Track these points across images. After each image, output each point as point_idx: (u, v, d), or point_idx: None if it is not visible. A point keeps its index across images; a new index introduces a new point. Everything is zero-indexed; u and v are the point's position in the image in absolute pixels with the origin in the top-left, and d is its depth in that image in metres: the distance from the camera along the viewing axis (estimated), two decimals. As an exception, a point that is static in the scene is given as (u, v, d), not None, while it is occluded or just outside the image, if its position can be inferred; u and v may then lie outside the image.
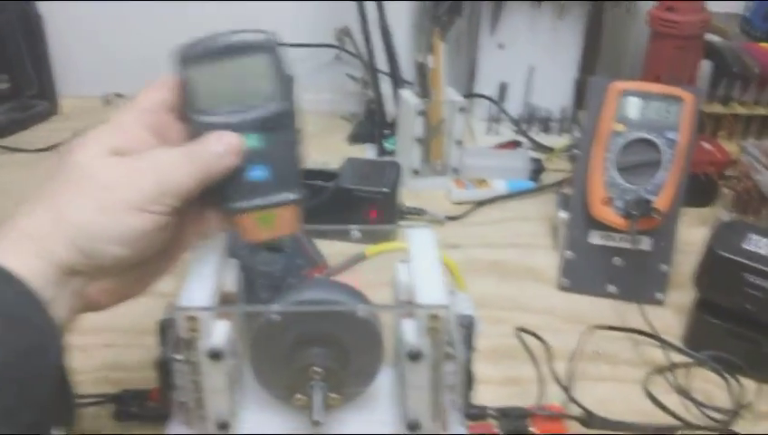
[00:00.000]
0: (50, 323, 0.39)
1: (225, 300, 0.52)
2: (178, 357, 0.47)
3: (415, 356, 0.48)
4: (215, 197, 0.45)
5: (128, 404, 0.58)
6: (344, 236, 0.63)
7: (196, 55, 0.44)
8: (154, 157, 0.43)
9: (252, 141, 0.45)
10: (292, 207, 0.46)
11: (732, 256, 0.64)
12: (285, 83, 0.45)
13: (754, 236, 0.65)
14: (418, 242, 0.55)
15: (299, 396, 0.49)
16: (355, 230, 0.59)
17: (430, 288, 0.50)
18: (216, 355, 0.47)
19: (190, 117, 0.45)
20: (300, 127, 0.46)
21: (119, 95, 1.25)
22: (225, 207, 0.46)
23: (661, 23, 0.95)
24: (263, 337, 0.49)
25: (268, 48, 0.44)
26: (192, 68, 0.44)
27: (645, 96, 0.74)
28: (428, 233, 0.56)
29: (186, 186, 0.43)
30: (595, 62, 1.19)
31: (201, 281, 0.49)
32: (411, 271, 0.52)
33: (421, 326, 0.48)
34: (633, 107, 0.74)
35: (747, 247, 0.64)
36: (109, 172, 0.42)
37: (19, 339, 0.37)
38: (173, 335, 0.47)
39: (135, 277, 0.45)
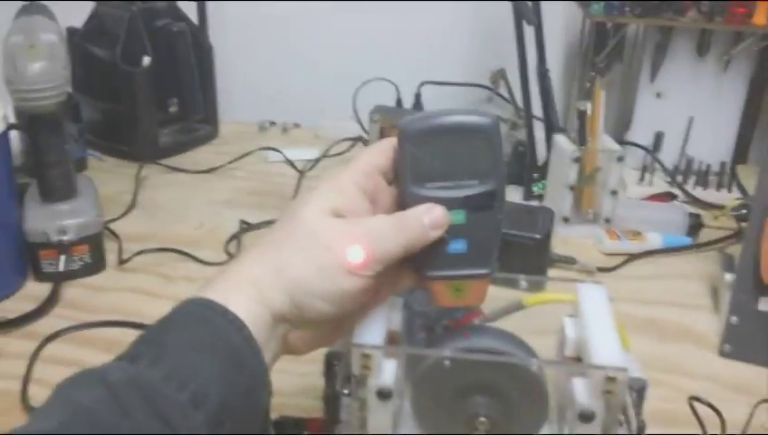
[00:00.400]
0: (264, 368, 0.42)
1: (390, 339, 0.52)
2: (346, 392, 0.48)
3: (587, 418, 0.47)
4: (412, 260, 0.47)
5: (284, 430, 0.60)
6: (512, 284, 0.63)
7: (420, 131, 0.46)
8: (369, 224, 0.45)
9: (457, 217, 0.46)
10: (484, 280, 0.48)
11: None
12: (498, 166, 0.46)
13: None
14: (590, 297, 0.54)
15: (461, 443, 0.49)
16: (523, 280, 0.58)
17: (607, 348, 0.48)
18: (384, 394, 0.48)
19: (405, 186, 0.47)
20: (503, 207, 0.47)
21: (272, 123, 1.32)
22: (422, 273, 0.48)
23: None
24: (430, 380, 0.49)
25: (490, 131, 0.46)
26: (414, 142, 0.46)
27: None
28: (601, 289, 0.55)
29: (394, 253, 0.45)
30: (758, 117, 1.13)
31: (374, 319, 0.50)
32: (582, 327, 0.51)
33: (596, 387, 0.47)
34: (819, 169, 0.70)
35: None
36: (329, 234, 0.44)
37: (239, 381, 0.40)
38: (343, 370, 0.48)
39: (333, 328, 0.48)
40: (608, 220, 0.98)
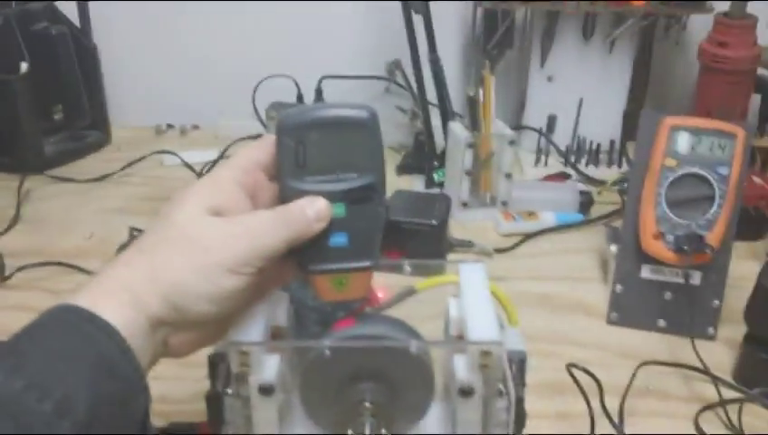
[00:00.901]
0: (139, 373, 0.41)
1: (276, 334, 0.53)
2: (229, 391, 0.48)
3: (466, 393, 0.49)
4: (295, 254, 0.48)
5: (174, 436, 0.59)
6: (396, 269, 0.64)
7: (299, 124, 0.46)
8: (249, 221, 0.45)
9: (337, 210, 0.47)
10: (367, 273, 0.49)
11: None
12: (377, 159, 0.47)
13: (808, 273, 0.65)
14: (470, 277, 0.56)
15: (350, 432, 0.50)
16: (407, 265, 0.60)
17: (482, 324, 0.50)
18: (266, 390, 0.48)
19: (285, 180, 0.47)
20: (384, 200, 0.48)
21: (170, 126, 1.29)
22: (304, 268, 0.48)
23: (713, 58, 0.95)
24: (313, 372, 0.50)
25: (369, 124, 0.47)
26: (292, 135, 0.46)
27: (696, 131, 0.74)
28: (480, 267, 0.57)
29: (276, 249, 0.45)
30: (644, 95, 1.19)
31: (253, 315, 0.50)
32: (462, 306, 0.53)
33: (473, 362, 0.48)
34: (685, 142, 0.74)
35: (801, 283, 0.63)
36: (206, 234, 0.44)
37: (111, 387, 0.39)
38: (224, 369, 0.48)
39: (215, 328, 0.47)
40: (504, 203, 1.01)
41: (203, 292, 0.43)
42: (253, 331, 0.49)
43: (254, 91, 1.18)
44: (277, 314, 0.54)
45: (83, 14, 1.17)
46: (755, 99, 1.02)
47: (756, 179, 0.93)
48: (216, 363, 0.48)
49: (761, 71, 1.07)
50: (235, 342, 0.47)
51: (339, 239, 0.48)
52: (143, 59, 1.28)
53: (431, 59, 1.06)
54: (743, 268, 0.80)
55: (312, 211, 0.46)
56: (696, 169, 0.73)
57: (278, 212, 0.46)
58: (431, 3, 1.03)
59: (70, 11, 1.16)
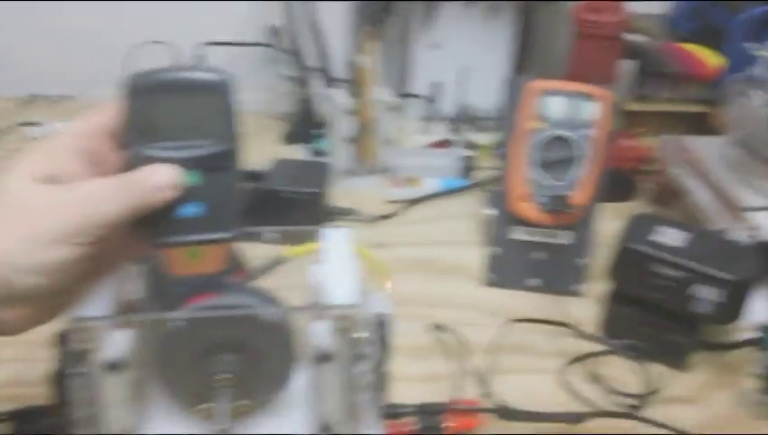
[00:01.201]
0: None
1: (130, 309, 0.51)
2: (74, 371, 0.46)
3: (324, 358, 0.48)
4: (144, 227, 0.45)
5: (29, 422, 0.57)
6: (261, 239, 0.63)
7: (146, 86, 0.44)
8: (83, 188, 0.42)
9: (191, 178, 0.45)
10: (223, 245, 0.47)
11: (641, 248, 0.66)
12: (232, 124, 0.45)
13: (662, 228, 0.68)
14: (334, 242, 0.55)
15: (206, 405, 0.49)
16: (267, 232, 0.59)
17: (341, 288, 0.50)
18: (114, 367, 0.46)
19: (131, 147, 0.44)
20: (241, 168, 0.46)
21: (34, 96, 1.23)
22: (155, 240, 0.46)
23: (583, 23, 0.97)
24: (167, 346, 0.48)
25: (221, 88, 0.44)
26: (139, 98, 0.44)
27: (561, 94, 0.76)
28: (344, 233, 0.56)
29: (114, 218, 0.42)
30: (527, 62, 1.21)
31: (100, 290, 0.48)
32: (325, 272, 0.52)
33: (331, 327, 0.48)
34: (550, 105, 0.76)
35: (655, 239, 0.66)
36: (31, 201, 0.41)
37: None
38: (69, 348, 0.46)
39: (52, 304, 0.44)
40: (388, 170, 1.01)
41: (28, 263, 0.40)
42: (100, 306, 0.46)
43: (128, 58, 1.13)
44: (128, 289, 0.52)
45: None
46: (628, 64, 1.06)
47: (626, 142, 0.96)
48: (59, 342, 0.46)
49: (635, 37, 1.11)
50: (78, 317, 0.45)
51: (192, 209, 0.45)
52: (11, 26, 1.21)
53: (310, 25, 1.04)
54: (612, 228, 0.82)
55: (158, 178, 0.43)
56: (561, 131, 0.75)
57: (117, 179, 0.43)
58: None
59: None
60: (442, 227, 0.93)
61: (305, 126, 1.11)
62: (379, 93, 1.00)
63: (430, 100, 1.17)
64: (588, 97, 0.76)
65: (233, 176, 0.46)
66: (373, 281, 0.57)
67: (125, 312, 0.50)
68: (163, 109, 0.44)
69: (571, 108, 0.76)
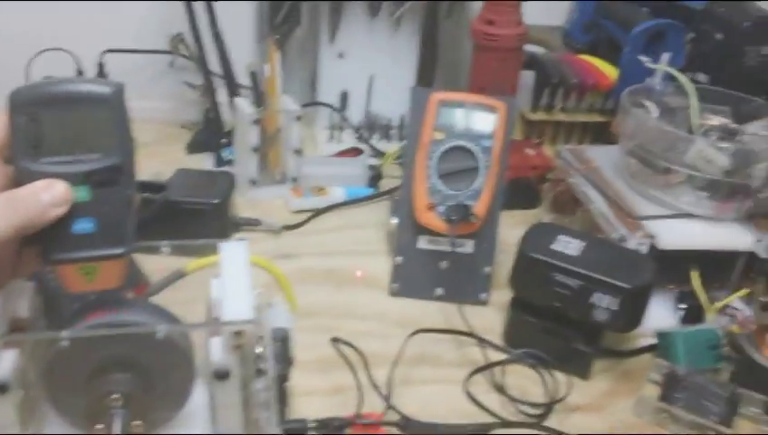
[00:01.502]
0: None
1: (17, 327, 0.48)
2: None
3: (221, 375, 0.47)
4: (33, 243, 0.44)
5: None
6: (155, 251, 0.61)
7: (34, 99, 0.42)
8: None
9: (81, 193, 0.44)
10: (118, 261, 0.46)
11: (540, 257, 0.67)
12: (124, 138, 0.44)
13: (563, 237, 0.69)
14: (231, 255, 0.54)
15: (99, 426, 0.47)
16: (166, 245, 0.57)
17: (236, 304, 0.49)
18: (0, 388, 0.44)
19: (18, 162, 0.43)
20: (133, 182, 0.45)
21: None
22: (46, 257, 0.45)
23: (482, 36, 0.99)
24: (55, 365, 0.46)
25: (111, 101, 0.43)
26: (24, 112, 0.42)
27: (461, 106, 0.77)
28: (242, 245, 0.55)
29: (4, 236, 0.41)
30: (432, 73, 1.22)
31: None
32: (221, 286, 0.51)
33: (227, 344, 0.47)
34: (451, 116, 0.77)
35: (555, 248, 0.68)
36: None
37: None
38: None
39: None
40: (294, 179, 1.00)
41: None
42: (-21, 325, 0.44)
43: (28, 66, 1.08)
44: (18, 306, 0.49)
45: None
46: (527, 75, 1.08)
47: (528, 151, 0.99)
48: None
49: (534, 48, 1.14)
50: None
51: (84, 225, 0.44)
52: None
53: (212, 33, 1.02)
54: (516, 236, 0.83)
55: (48, 196, 0.42)
56: (462, 142, 0.76)
57: (5, 196, 0.42)
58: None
59: None
60: (349, 236, 0.92)
61: (210, 135, 1.08)
62: (285, 102, 0.99)
63: (337, 108, 1.17)
64: (486, 108, 0.78)
65: (124, 190, 0.45)
66: (275, 293, 0.56)
67: (13, 330, 0.48)
68: (48, 123, 0.43)
69: (469, 119, 0.77)
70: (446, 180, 0.76)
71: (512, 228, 0.84)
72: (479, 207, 0.75)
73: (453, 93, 0.78)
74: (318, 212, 0.97)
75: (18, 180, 0.43)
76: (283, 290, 0.59)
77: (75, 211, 0.44)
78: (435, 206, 0.76)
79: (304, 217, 0.95)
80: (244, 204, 0.95)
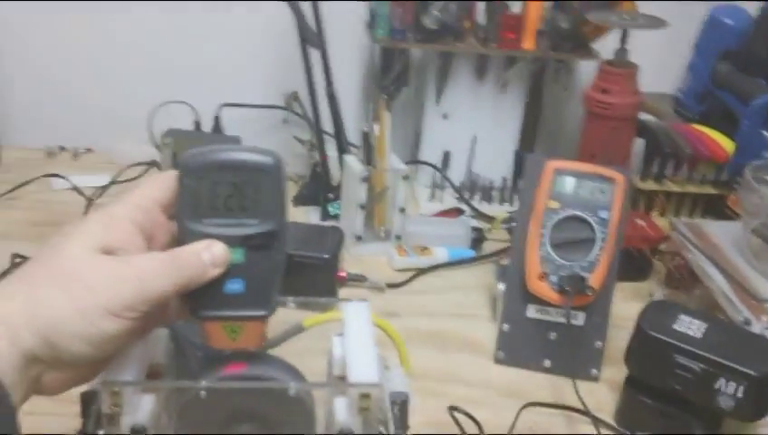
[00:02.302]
0: (11, 410, 0.39)
1: (154, 372, 0.50)
2: (100, 432, 0.46)
3: (345, 436, 0.47)
4: (187, 298, 0.46)
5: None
6: (282, 305, 0.63)
7: (200, 165, 0.45)
8: (138, 263, 0.43)
9: (237, 255, 0.46)
10: (261, 323, 0.48)
11: (661, 337, 0.65)
12: (281, 206, 0.46)
13: (684, 317, 0.67)
14: (353, 315, 0.55)
15: (225, 475, 0.48)
16: (289, 302, 0.58)
17: (363, 365, 0.49)
18: (138, 432, 0.46)
19: (182, 220, 0.46)
20: (285, 248, 0.47)
21: (62, 148, 1.25)
22: (196, 313, 0.47)
23: (596, 104, 0.99)
24: (188, 413, 0.47)
25: (274, 170, 0.46)
26: (193, 176, 0.45)
27: (578, 175, 0.76)
28: (365, 306, 0.56)
29: (167, 293, 0.43)
30: (534, 137, 1.22)
31: (129, 354, 0.48)
32: (345, 346, 0.52)
33: (352, 405, 0.47)
34: (567, 185, 0.76)
35: (677, 328, 0.66)
36: (92, 273, 0.42)
37: None
38: (96, 409, 0.45)
39: (92, 368, 0.45)
40: (398, 237, 1.01)
41: (82, 333, 0.41)
42: (127, 370, 0.46)
43: (151, 116, 1.14)
44: (156, 352, 0.51)
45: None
46: (639, 143, 1.07)
47: (639, 222, 0.97)
48: (87, 402, 0.46)
49: (645, 116, 1.13)
50: (108, 381, 0.45)
51: (235, 286, 0.46)
52: (36, 77, 1.23)
53: (327, 92, 1.05)
54: (627, 309, 0.81)
55: (208, 255, 0.45)
56: (577, 212, 0.75)
57: (171, 255, 0.44)
58: (329, 39, 1.03)
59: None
60: (451, 298, 0.92)
61: (317, 189, 1.11)
62: (393, 161, 1.01)
63: (440, 168, 1.18)
64: (602, 178, 0.77)
65: (276, 255, 0.47)
66: (391, 354, 0.56)
67: (149, 375, 0.49)
68: (214, 187, 0.45)
69: (586, 189, 0.76)
70: (559, 250, 0.75)
71: (622, 301, 0.82)
72: (594, 280, 0.74)
73: (570, 162, 0.77)
74: (421, 271, 0.97)
75: (181, 239, 0.46)
76: (398, 351, 0.59)
77: (228, 272, 0.46)
78: (547, 275, 0.75)
79: (407, 275, 0.96)
80: (349, 259, 0.96)
